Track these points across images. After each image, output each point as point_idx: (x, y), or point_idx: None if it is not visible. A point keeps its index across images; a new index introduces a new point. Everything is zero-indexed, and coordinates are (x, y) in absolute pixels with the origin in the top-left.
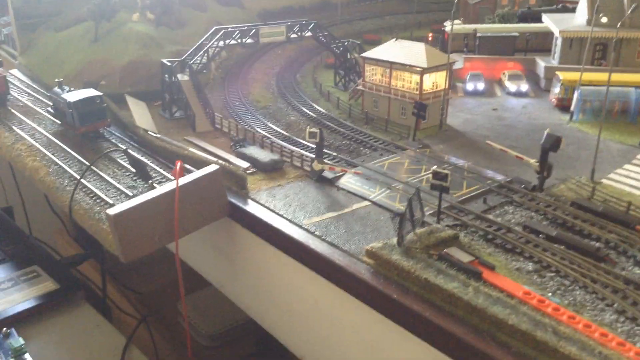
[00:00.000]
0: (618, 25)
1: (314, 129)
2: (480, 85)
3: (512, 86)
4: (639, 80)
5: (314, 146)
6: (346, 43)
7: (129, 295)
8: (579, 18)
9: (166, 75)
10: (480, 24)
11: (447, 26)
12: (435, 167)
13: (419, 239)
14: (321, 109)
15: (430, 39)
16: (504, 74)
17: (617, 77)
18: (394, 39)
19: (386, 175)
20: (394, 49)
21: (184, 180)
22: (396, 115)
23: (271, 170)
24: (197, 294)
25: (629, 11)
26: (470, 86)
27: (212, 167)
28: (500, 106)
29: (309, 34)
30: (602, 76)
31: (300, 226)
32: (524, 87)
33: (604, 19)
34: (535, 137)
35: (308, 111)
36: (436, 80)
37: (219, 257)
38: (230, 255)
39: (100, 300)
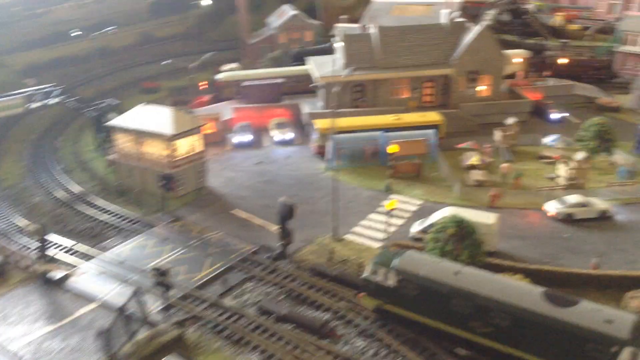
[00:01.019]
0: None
1: (35, 226)
2: (248, 137)
3: (278, 135)
4: (388, 122)
5: (38, 244)
6: (103, 104)
7: None
8: (338, 62)
9: None
10: (260, 63)
11: (219, 74)
12: (156, 263)
13: (135, 351)
14: (73, 184)
15: (204, 87)
16: (271, 122)
17: (369, 120)
18: (143, 103)
19: (123, 265)
20: (142, 115)
21: None
22: (151, 185)
23: None
24: None
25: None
26: (238, 139)
27: None
28: (266, 158)
29: (56, 100)
30: (357, 121)
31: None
32: (289, 135)
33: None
34: (291, 192)
35: (57, 189)
36: (191, 144)
37: None
38: None
39: None
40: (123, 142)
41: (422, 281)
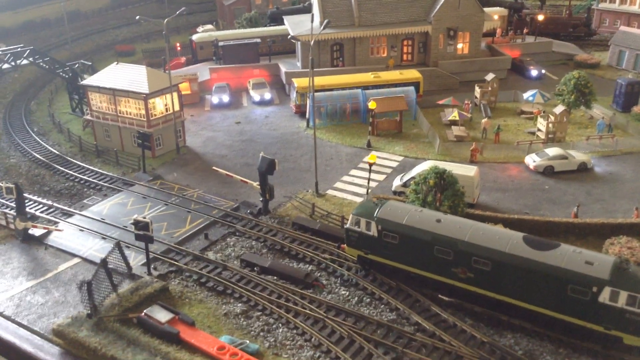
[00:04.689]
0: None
1: (9, 184)
2: (225, 98)
3: (256, 95)
4: (368, 80)
5: (15, 202)
6: (76, 65)
7: None
8: (316, 20)
9: None
10: (236, 25)
11: (195, 35)
12: (136, 216)
13: (119, 302)
14: (50, 145)
15: (179, 48)
16: (249, 82)
17: (348, 78)
18: (115, 63)
19: (103, 222)
20: (116, 74)
21: None
22: (129, 145)
23: None
24: None
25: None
26: (215, 99)
27: None
28: (245, 118)
29: (26, 61)
30: (336, 79)
31: None
32: (268, 95)
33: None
34: (272, 150)
35: (33, 150)
36: (168, 103)
37: None
38: None
39: None
40: (98, 102)
41: (404, 229)
